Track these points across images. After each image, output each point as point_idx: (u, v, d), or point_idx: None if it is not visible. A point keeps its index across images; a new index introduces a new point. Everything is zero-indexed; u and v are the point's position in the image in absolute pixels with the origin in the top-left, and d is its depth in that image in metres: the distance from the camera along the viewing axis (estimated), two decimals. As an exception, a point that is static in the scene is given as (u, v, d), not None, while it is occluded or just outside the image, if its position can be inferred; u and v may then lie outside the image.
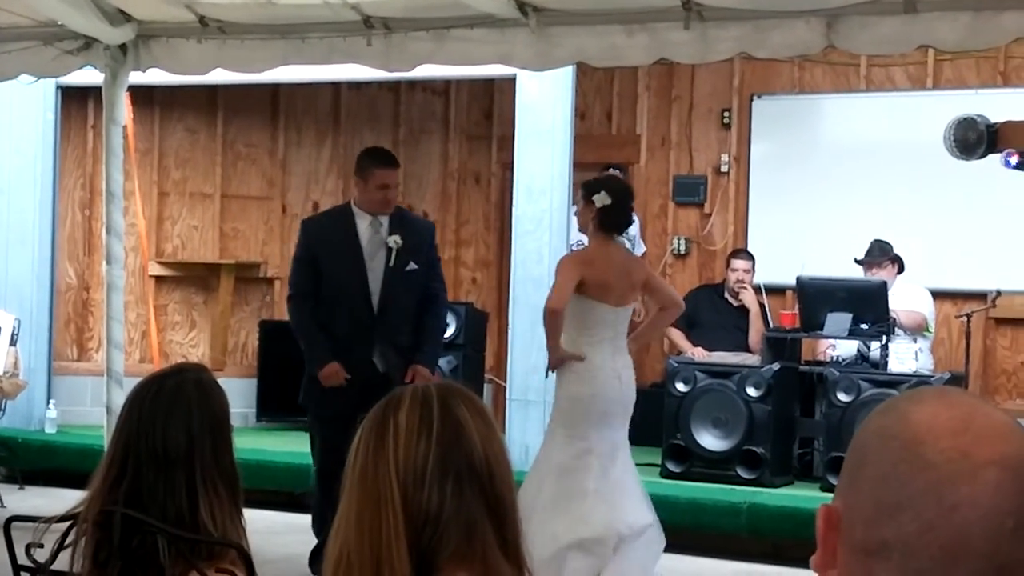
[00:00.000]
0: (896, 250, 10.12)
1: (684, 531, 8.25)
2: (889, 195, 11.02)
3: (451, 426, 2.30)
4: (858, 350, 10.00)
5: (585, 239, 7.70)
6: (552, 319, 7.12)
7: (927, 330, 10.10)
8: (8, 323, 10.31)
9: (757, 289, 10.64)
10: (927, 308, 10.14)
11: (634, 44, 6.95)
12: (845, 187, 11.22)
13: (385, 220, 7.61)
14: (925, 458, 1.42)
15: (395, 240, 7.53)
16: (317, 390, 7.49)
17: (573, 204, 7.55)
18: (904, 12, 6.31)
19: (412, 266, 7.59)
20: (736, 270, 10.73)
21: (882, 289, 9.57)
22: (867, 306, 9.47)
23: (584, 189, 7.27)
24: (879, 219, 10.80)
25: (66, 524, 3.15)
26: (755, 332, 10.48)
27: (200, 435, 3.14)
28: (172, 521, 3.07)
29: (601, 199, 7.11)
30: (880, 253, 10.06)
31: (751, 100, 11.80)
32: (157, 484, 3.10)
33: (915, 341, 9.78)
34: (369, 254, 7.59)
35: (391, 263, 7.55)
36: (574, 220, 7.98)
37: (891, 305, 9.63)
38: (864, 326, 9.43)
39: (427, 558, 2.24)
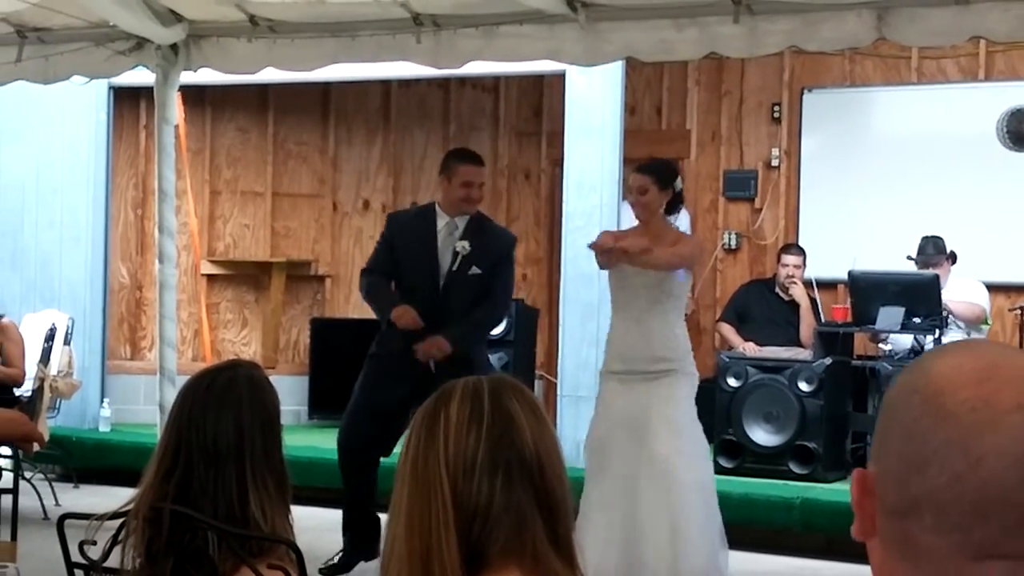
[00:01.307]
0: (948, 243, 10.05)
1: (736, 527, 8.21)
2: (941, 188, 10.96)
3: (501, 419, 2.30)
4: (913, 344, 9.92)
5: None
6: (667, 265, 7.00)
7: (986, 322, 10.03)
8: (62, 323, 10.37)
9: (808, 284, 10.59)
10: (983, 300, 10.06)
11: (683, 38, 6.93)
12: (896, 180, 11.16)
13: (462, 223, 7.67)
14: (946, 409, 1.38)
15: (463, 245, 7.58)
16: (377, 368, 7.69)
17: (628, 196, 7.42)
18: (955, 3, 6.26)
19: (475, 271, 7.63)
20: (787, 265, 10.68)
21: (934, 282, 9.50)
22: (919, 300, 9.41)
23: (655, 175, 7.09)
24: (931, 212, 10.73)
25: (118, 522, 3.17)
26: (806, 327, 10.43)
27: (251, 430, 3.16)
28: (223, 516, 3.08)
29: (679, 183, 7.16)
30: (935, 252, 9.97)
31: (801, 94, 11.75)
32: (208, 478, 3.12)
33: (968, 335, 9.71)
34: (441, 254, 7.67)
35: (454, 267, 7.61)
36: (628, 212, 7.83)
37: (947, 298, 9.57)
38: (917, 320, 9.37)
39: (477, 551, 2.24)
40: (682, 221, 11.60)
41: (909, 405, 1.42)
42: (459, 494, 2.24)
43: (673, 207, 7.23)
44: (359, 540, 7.65)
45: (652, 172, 7.14)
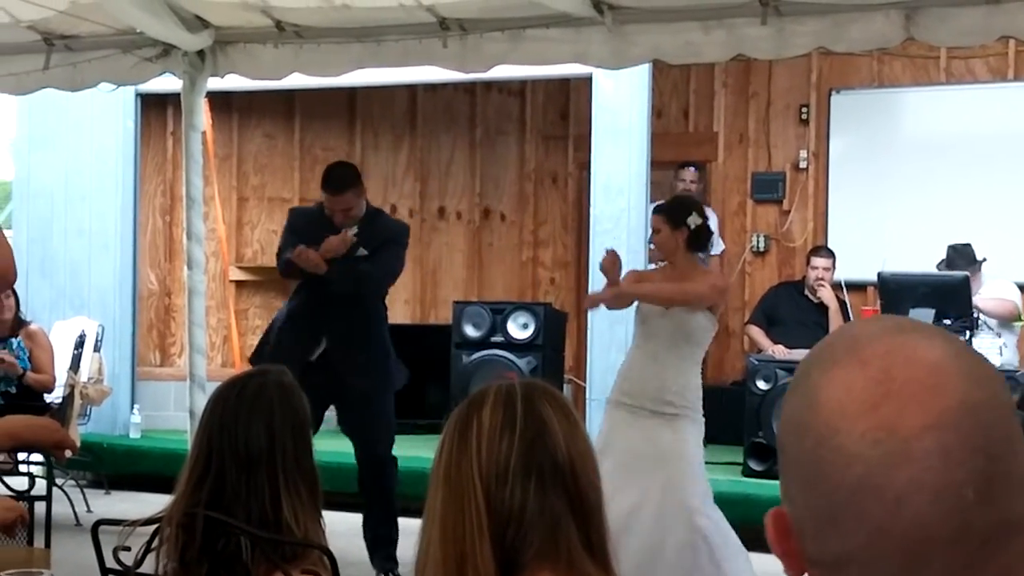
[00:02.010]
0: (977, 243, 9.98)
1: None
2: (970, 188, 10.91)
3: (534, 424, 2.29)
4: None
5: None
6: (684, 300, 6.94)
7: (1019, 318, 9.97)
8: (92, 330, 10.41)
9: (837, 286, 10.56)
10: (1015, 297, 10.01)
11: (710, 41, 6.91)
12: (925, 181, 11.12)
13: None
14: (846, 450, 1.16)
15: (352, 231, 7.70)
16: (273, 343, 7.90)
17: (652, 236, 7.34)
18: (985, 2, 6.23)
19: (362, 252, 7.73)
20: (816, 267, 10.65)
21: (965, 283, 9.45)
22: (950, 301, 9.36)
23: (666, 214, 7.04)
24: (960, 213, 10.69)
25: (151, 528, 3.17)
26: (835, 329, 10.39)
27: (281, 436, 3.16)
28: (256, 522, 3.09)
29: (694, 220, 6.99)
30: (965, 262, 9.88)
31: (829, 95, 11.71)
32: (240, 484, 3.12)
33: (999, 336, 9.66)
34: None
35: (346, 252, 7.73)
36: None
37: (978, 297, 9.53)
38: (947, 321, 9.32)
39: (511, 556, 2.24)
40: (710, 223, 11.61)
41: (802, 450, 1.21)
42: (492, 500, 2.24)
43: (696, 243, 7.07)
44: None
45: (663, 211, 7.12)
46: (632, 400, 6.92)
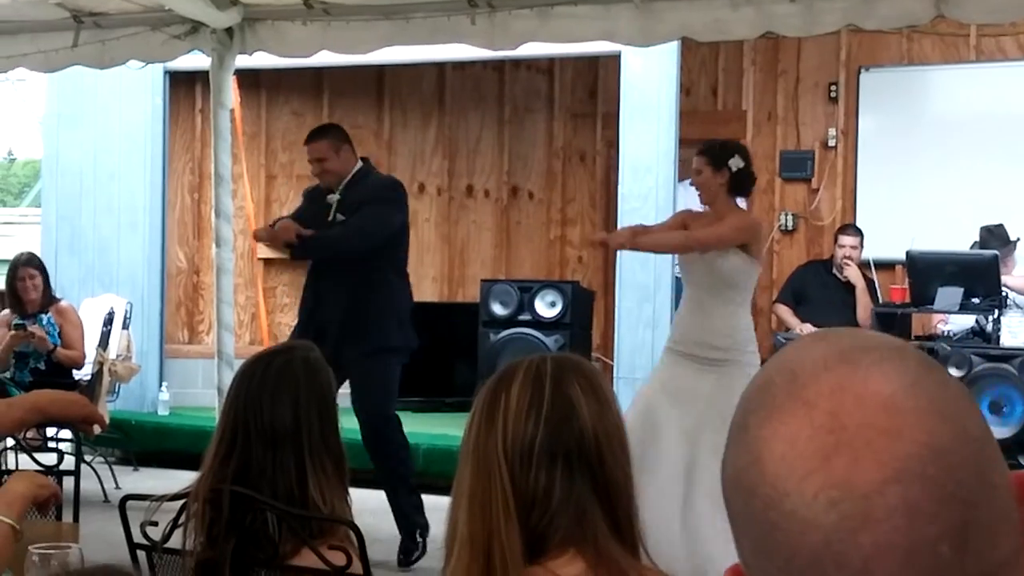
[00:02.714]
0: (1007, 222, 9.93)
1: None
2: (1000, 167, 10.85)
3: (561, 406, 2.28)
4: (974, 325, 9.82)
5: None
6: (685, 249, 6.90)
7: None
8: (120, 307, 10.45)
9: (866, 264, 10.52)
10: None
11: (739, 18, 6.88)
12: (955, 159, 11.07)
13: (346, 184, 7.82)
14: (799, 515, 1.01)
15: (333, 197, 7.74)
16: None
17: (691, 176, 7.21)
18: (1015, -21, 6.20)
19: (340, 218, 7.73)
20: (843, 246, 10.61)
21: (993, 262, 9.41)
22: (978, 280, 9.32)
23: (708, 156, 6.88)
24: (989, 191, 10.63)
25: (179, 503, 3.18)
26: (862, 308, 10.36)
27: (307, 412, 3.17)
28: (282, 498, 3.09)
29: (736, 163, 6.85)
30: (999, 243, 9.82)
31: (859, 73, 11.66)
32: (266, 460, 3.13)
33: (1029, 314, 9.62)
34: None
35: (329, 218, 7.74)
36: (684, 194, 7.69)
37: (1007, 276, 9.49)
38: (976, 300, 9.29)
39: (538, 539, 2.23)
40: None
41: (752, 514, 1.05)
42: (517, 480, 2.24)
43: (739, 187, 6.94)
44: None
45: (705, 153, 6.94)
46: (681, 347, 6.86)
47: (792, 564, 1.02)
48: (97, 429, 3.68)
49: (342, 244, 7.74)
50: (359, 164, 7.88)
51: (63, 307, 9.95)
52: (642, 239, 6.93)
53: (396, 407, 7.82)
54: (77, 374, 9.97)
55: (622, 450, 2.33)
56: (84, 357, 9.94)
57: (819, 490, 1.00)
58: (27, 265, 9.86)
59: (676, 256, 7.02)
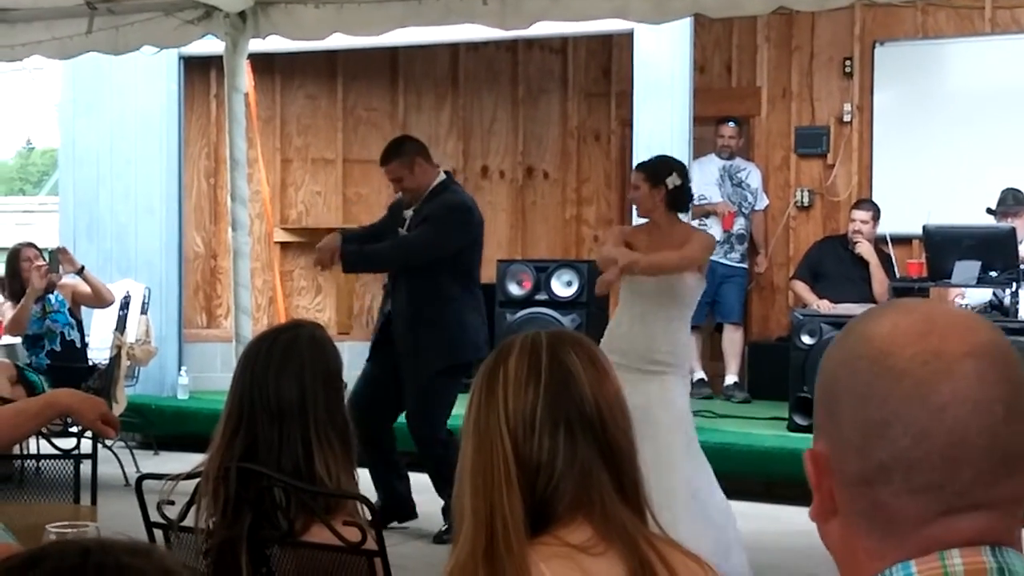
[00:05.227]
0: (1024, 195, 9.93)
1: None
2: (1016, 139, 10.81)
3: (559, 374, 2.30)
4: (992, 298, 9.79)
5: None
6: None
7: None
8: (138, 292, 10.48)
9: (883, 239, 10.50)
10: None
11: (751, -7, 6.88)
12: (970, 133, 11.03)
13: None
14: (898, 368, 1.38)
15: (408, 213, 7.84)
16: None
17: (629, 191, 7.26)
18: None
19: (402, 233, 7.86)
20: (854, 220, 10.60)
21: (1011, 235, 9.38)
22: (996, 253, 9.29)
23: (645, 171, 6.97)
24: (1005, 164, 10.59)
25: (194, 483, 3.21)
26: (877, 283, 10.34)
27: (312, 389, 3.18)
28: (289, 474, 3.11)
29: (673, 180, 6.88)
30: (1015, 203, 9.84)
31: (873, 47, 11.63)
32: (272, 437, 3.15)
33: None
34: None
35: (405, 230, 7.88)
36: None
37: None
38: (993, 273, 9.26)
39: (545, 507, 2.25)
40: (753, 178, 11.57)
41: (856, 371, 1.42)
42: (520, 450, 2.25)
43: (676, 204, 6.96)
44: (390, 501, 7.84)
45: (643, 169, 7.03)
46: (621, 359, 6.82)
47: (886, 405, 1.38)
48: (111, 432, 3.71)
49: (384, 261, 8.05)
50: (440, 177, 7.93)
51: (66, 281, 9.98)
52: (643, 263, 6.86)
53: (447, 421, 7.83)
54: (93, 358, 10.01)
55: (623, 416, 2.34)
56: (112, 297, 10.01)
57: (915, 353, 1.38)
58: (28, 248, 9.95)
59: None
